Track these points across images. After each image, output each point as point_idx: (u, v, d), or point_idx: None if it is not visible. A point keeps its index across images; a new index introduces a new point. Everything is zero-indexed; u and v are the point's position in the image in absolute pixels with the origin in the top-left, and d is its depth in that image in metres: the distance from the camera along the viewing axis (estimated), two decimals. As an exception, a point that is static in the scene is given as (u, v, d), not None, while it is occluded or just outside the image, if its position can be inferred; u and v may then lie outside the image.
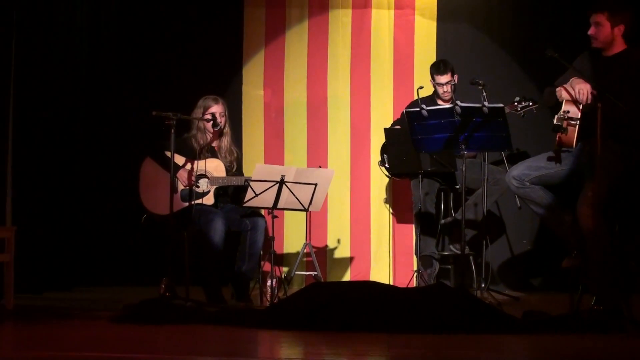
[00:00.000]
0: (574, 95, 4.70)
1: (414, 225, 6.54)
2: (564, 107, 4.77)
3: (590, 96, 4.63)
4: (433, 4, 6.93)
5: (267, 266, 5.72)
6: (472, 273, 6.12)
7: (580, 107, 4.71)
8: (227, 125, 5.90)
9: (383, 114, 6.92)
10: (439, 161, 5.83)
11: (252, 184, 5.31)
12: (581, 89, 4.66)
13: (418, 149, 5.26)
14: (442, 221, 6.33)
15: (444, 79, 6.18)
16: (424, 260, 6.19)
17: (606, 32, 4.79)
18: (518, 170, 5.03)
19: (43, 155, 6.39)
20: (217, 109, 5.81)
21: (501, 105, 4.92)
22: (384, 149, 6.27)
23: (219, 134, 5.87)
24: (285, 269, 6.80)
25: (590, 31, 4.83)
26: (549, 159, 4.81)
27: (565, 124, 4.67)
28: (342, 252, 6.95)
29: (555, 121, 4.72)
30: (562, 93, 4.79)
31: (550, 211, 4.98)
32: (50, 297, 6.06)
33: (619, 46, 4.83)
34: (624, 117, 4.60)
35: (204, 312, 4.87)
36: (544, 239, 6.63)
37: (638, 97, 4.67)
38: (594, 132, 4.48)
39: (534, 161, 5.07)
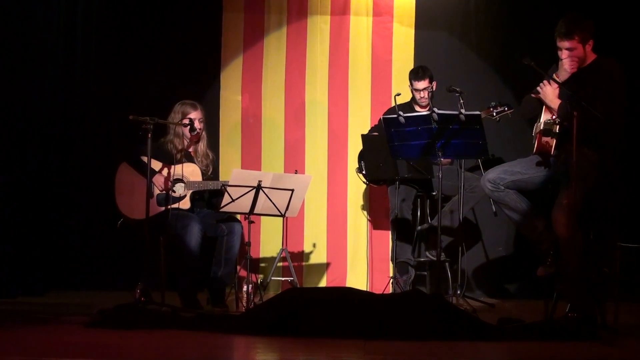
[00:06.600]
0: (554, 110, 4.76)
1: (390, 232, 6.55)
2: (546, 114, 4.83)
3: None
4: (411, 12, 6.97)
5: (243, 271, 5.70)
6: (448, 280, 6.14)
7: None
8: (204, 130, 5.89)
9: (361, 120, 6.93)
10: (415, 168, 5.84)
11: (228, 189, 5.30)
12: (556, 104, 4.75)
13: (395, 156, 5.27)
14: (419, 228, 6.35)
15: (421, 84, 6.22)
16: (400, 266, 6.20)
17: (580, 53, 4.82)
18: (494, 173, 5.05)
19: (17, 158, 6.33)
20: (195, 115, 5.80)
21: (478, 112, 4.95)
22: (361, 156, 6.28)
23: (195, 139, 5.86)
24: (261, 275, 6.78)
25: (563, 56, 4.81)
26: (538, 164, 4.86)
27: (555, 128, 4.72)
28: (319, 257, 6.94)
29: (543, 126, 4.76)
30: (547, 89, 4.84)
31: (523, 216, 5.00)
32: (23, 302, 5.99)
33: (590, 58, 4.87)
34: (599, 125, 4.63)
35: (180, 318, 4.85)
36: (520, 245, 6.67)
37: (611, 106, 4.71)
38: (569, 140, 4.51)
39: (510, 166, 5.10)
